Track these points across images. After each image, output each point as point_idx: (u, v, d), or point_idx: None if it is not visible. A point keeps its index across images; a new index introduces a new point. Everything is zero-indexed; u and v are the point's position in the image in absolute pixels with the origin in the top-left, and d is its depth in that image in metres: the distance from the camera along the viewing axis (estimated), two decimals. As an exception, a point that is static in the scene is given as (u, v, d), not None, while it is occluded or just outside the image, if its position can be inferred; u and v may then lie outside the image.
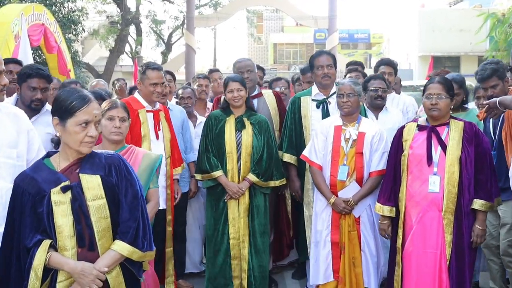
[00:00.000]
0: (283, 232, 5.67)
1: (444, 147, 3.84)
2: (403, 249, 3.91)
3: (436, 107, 3.86)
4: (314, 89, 5.14)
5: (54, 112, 2.61)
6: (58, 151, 2.70)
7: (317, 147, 4.51)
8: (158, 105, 4.79)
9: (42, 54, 11.99)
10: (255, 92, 5.41)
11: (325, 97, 5.05)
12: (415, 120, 4.14)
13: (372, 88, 5.24)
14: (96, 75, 19.11)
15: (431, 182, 3.83)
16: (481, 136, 3.88)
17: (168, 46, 28.33)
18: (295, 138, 5.06)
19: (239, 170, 4.75)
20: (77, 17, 14.33)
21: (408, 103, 6.04)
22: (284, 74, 34.98)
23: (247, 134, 4.76)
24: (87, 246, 2.59)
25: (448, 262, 3.78)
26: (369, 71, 7.19)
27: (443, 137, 3.88)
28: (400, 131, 4.10)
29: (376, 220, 4.32)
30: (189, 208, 5.58)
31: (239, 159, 4.75)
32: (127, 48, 25.23)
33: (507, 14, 18.48)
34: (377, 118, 5.21)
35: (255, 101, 5.33)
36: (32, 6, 10.05)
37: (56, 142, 2.83)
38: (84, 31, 15.93)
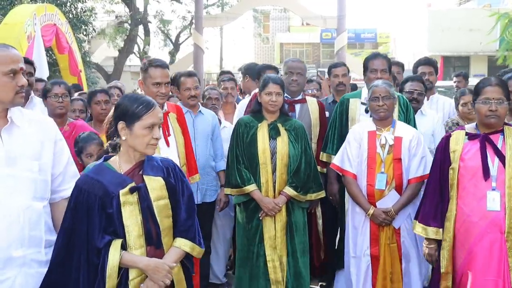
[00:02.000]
0: (311, 256, 4.99)
1: (502, 158, 3.39)
2: (456, 276, 3.49)
3: (495, 113, 3.39)
4: (365, 91, 4.73)
5: (118, 118, 2.73)
6: (114, 155, 2.79)
7: (350, 154, 4.20)
8: (166, 107, 4.20)
9: (53, 55, 11.92)
10: (299, 97, 5.04)
11: None
12: (461, 128, 3.70)
13: (407, 90, 5.03)
14: (105, 75, 19.07)
15: (489, 199, 3.33)
16: None
17: (176, 46, 28.31)
18: (340, 140, 4.59)
19: (274, 182, 4.30)
20: (88, 17, 14.26)
21: (447, 106, 5.83)
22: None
23: (283, 142, 4.31)
24: (155, 244, 2.73)
25: None
26: None
27: (499, 146, 3.43)
28: (445, 140, 3.64)
29: None
30: (214, 220, 5.25)
31: (274, 170, 4.30)
32: (135, 48, 25.19)
33: (519, 14, 18.36)
34: None
35: (297, 107, 4.98)
36: (45, 7, 10.01)
37: (113, 147, 2.81)
38: (95, 32, 15.88)
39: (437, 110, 5.66)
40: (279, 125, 4.37)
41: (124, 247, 2.66)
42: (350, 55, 28.84)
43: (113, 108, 2.88)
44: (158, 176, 2.78)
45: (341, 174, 4.33)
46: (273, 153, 4.31)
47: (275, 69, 6.35)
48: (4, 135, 2.61)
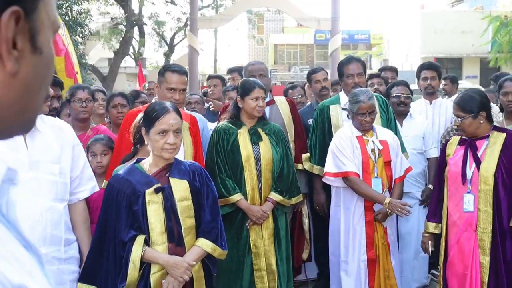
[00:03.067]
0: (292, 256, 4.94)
1: (478, 163, 3.62)
2: (446, 268, 3.79)
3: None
4: (343, 97, 4.78)
5: (142, 124, 2.97)
6: (144, 158, 3.03)
7: (347, 156, 4.16)
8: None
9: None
10: (267, 99, 4.78)
11: None
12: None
13: (394, 95, 5.17)
14: (101, 77, 19.14)
15: (465, 201, 3.64)
16: None
17: (171, 47, 28.42)
18: (324, 149, 4.58)
19: (260, 189, 4.12)
20: (84, 20, 14.36)
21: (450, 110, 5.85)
22: (285, 75, 35.08)
23: (266, 146, 4.14)
24: (176, 242, 2.91)
25: (488, 285, 3.55)
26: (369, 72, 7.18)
27: (480, 152, 3.66)
28: (444, 145, 3.98)
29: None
30: None
31: (259, 176, 4.11)
32: (130, 49, 25.29)
33: (510, 17, 18.57)
34: (401, 125, 5.09)
35: (266, 109, 4.72)
36: (42, 10, 10.09)
37: (135, 151, 3.11)
38: (91, 34, 15.97)
39: (440, 114, 5.68)
40: (260, 130, 4.20)
41: (147, 242, 2.86)
42: (343, 57, 29.02)
43: (141, 113, 3.12)
44: (184, 179, 2.96)
45: (342, 177, 4.23)
46: (257, 159, 4.12)
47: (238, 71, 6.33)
48: (28, 140, 2.78)
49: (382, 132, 4.33)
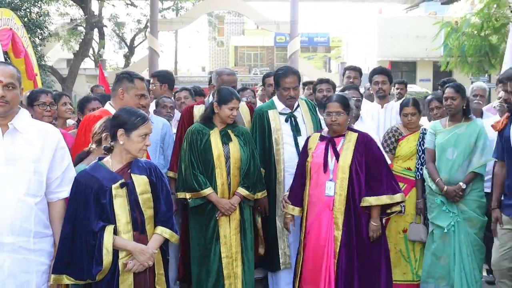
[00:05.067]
0: None
1: (338, 156, 4.36)
2: (305, 242, 4.44)
3: (335, 123, 4.37)
4: (278, 103, 5.15)
5: (118, 126, 3.31)
6: (106, 155, 3.37)
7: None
8: None
9: (8, 59, 12.00)
10: None
11: (291, 111, 5.12)
12: (319, 131, 4.68)
13: None
14: (60, 79, 19.06)
15: (327, 187, 4.35)
16: (373, 144, 4.45)
17: (131, 49, 28.38)
18: (263, 151, 5.01)
19: (229, 184, 4.60)
20: (43, 21, 14.33)
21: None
22: (245, 77, 35.32)
23: (235, 146, 4.63)
24: (139, 230, 3.31)
25: (338, 254, 4.28)
26: (328, 75, 7.44)
27: (339, 147, 4.39)
28: (306, 140, 4.63)
29: None
30: None
31: (228, 173, 4.60)
32: (89, 51, 25.19)
33: (460, 23, 19.26)
34: None
35: None
36: (1, 11, 10.08)
37: (108, 149, 3.36)
38: (51, 36, 15.94)
39: (391, 119, 5.94)
40: (230, 132, 4.66)
41: (115, 231, 3.23)
42: (302, 59, 29.52)
43: (104, 118, 3.55)
44: (143, 175, 3.36)
45: None
46: (227, 158, 4.60)
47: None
48: (7, 138, 3.05)
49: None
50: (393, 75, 6.47)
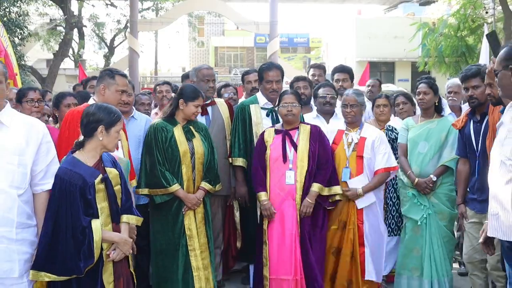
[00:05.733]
0: (229, 245, 5.65)
1: (295, 147, 4.71)
2: (268, 231, 4.70)
3: (291, 113, 4.72)
4: (261, 98, 5.35)
5: (97, 122, 3.41)
6: (75, 150, 3.44)
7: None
8: None
9: (-13, 58, 11.95)
10: (209, 101, 5.38)
11: (273, 106, 5.27)
12: (272, 126, 4.99)
13: (321, 95, 5.57)
14: (40, 79, 18.98)
15: (287, 176, 4.68)
16: (323, 136, 4.80)
17: (111, 49, 28.26)
18: (245, 144, 5.20)
19: (193, 180, 4.71)
20: (22, 21, 14.29)
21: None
22: (225, 77, 35.39)
23: (198, 142, 4.73)
24: (116, 221, 3.49)
25: (301, 239, 4.62)
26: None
27: (295, 139, 4.75)
28: (262, 134, 4.91)
29: (381, 217, 4.92)
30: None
31: (193, 168, 4.70)
32: (69, 51, 25.07)
33: (437, 24, 19.57)
34: (328, 123, 5.50)
35: (209, 109, 5.39)
36: (-20, 11, 10.09)
37: (80, 144, 3.44)
38: (30, 35, 15.88)
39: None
40: (192, 128, 4.78)
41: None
42: (282, 60, 29.63)
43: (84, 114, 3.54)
44: (113, 168, 3.50)
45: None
46: (192, 154, 4.70)
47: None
48: None
49: (367, 131, 4.92)
50: (371, 75, 6.63)
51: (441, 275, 4.97)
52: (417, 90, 5.20)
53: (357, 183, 4.78)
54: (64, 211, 3.23)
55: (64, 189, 3.24)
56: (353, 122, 4.91)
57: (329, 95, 5.55)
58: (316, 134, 4.77)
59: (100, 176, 3.37)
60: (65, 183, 3.25)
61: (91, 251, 3.24)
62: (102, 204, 3.37)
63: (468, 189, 4.65)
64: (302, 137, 4.75)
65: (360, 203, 4.79)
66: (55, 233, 3.23)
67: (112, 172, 3.48)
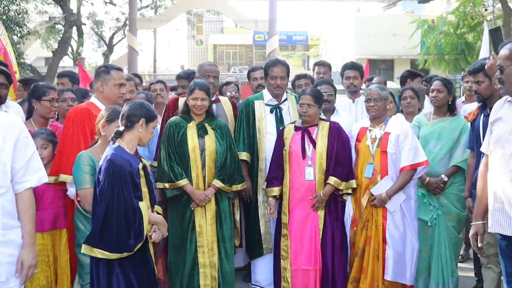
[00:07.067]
0: None
1: (314, 144, 4.79)
2: (289, 225, 4.81)
3: (306, 114, 4.78)
4: (266, 94, 5.35)
5: (140, 116, 3.59)
6: (114, 140, 3.62)
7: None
8: None
9: (-13, 57, 11.93)
10: (213, 98, 5.23)
11: (278, 103, 5.28)
12: (292, 123, 5.01)
13: None
14: (39, 77, 18.94)
15: (307, 172, 4.77)
16: (342, 132, 4.84)
17: (110, 47, 28.24)
18: (248, 139, 5.21)
19: (204, 177, 4.70)
20: (22, 19, 14.27)
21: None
22: (224, 75, 35.38)
23: (210, 139, 4.74)
24: (152, 206, 3.75)
25: (322, 232, 4.74)
26: (307, 72, 7.52)
27: (314, 136, 4.82)
28: (282, 131, 4.98)
29: (408, 214, 4.66)
30: None
31: (203, 165, 4.70)
32: (68, 49, 25.05)
33: (436, 21, 19.58)
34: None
35: (213, 107, 5.25)
36: (-20, 9, 10.06)
37: (120, 134, 3.59)
38: (29, 34, 15.86)
39: (362, 113, 5.93)
40: (206, 125, 4.77)
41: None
42: (281, 57, 29.66)
43: (108, 108, 3.86)
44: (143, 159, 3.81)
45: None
46: (202, 150, 4.70)
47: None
48: None
49: (392, 125, 4.77)
50: (371, 73, 6.59)
51: (446, 276, 4.93)
52: (432, 88, 5.15)
53: (381, 188, 4.62)
54: (116, 194, 3.41)
55: (116, 172, 3.41)
56: (377, 117, 4.78)
57: (327, 93, 5.48)
58: (335, 131, 4.83)
59: (141, 163, 3.63)
60: (117, 167, 3.42)
61: (141, 230, 3.45)
62: (144, 189, 3.62)
63: (473, 183, 4.54)
64: (321, 134, 4.82)
65: (390, 207, 4.64)
66: (108, 214, 3.41)
67: (146, 163, 3.78)
